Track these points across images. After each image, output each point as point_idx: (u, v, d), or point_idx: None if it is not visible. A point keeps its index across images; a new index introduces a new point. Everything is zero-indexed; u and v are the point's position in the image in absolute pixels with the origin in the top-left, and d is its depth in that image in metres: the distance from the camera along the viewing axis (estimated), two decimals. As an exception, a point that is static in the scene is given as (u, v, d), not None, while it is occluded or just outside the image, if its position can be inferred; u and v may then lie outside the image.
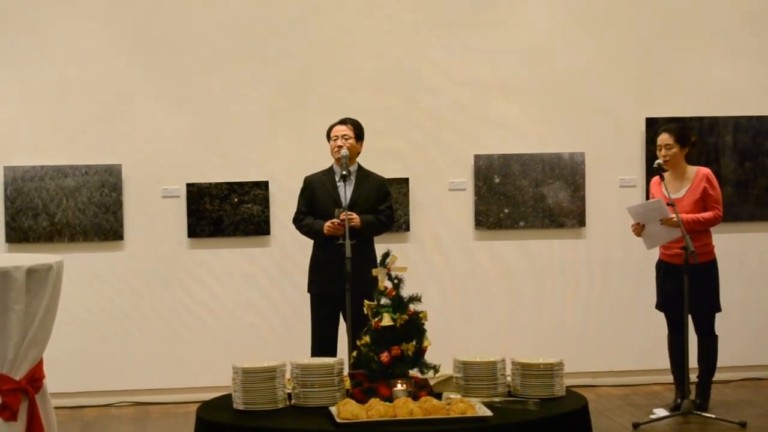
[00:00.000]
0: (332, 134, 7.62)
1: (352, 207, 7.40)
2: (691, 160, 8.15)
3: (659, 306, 8.17)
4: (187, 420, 7.78)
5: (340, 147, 7.49)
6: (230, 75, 8.94)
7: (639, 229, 7.86)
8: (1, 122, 8.70)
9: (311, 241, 7.74)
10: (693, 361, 7.95)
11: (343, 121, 7.66)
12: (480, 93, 9.17)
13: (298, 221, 7.70)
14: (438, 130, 9.12)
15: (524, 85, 9.22)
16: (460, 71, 9.15)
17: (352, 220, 7.27)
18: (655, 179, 8.05)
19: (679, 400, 7.95)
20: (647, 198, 8.33)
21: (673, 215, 7.63)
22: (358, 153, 7.67)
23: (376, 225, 7.61)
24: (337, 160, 7.50)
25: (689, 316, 7.85)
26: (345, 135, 7.56)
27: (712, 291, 7.97)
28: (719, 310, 8.04)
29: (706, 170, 8.07)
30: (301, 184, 7.77)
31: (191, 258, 8.91)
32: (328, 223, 7.38)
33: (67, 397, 8.42)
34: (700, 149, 8.92)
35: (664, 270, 8.04)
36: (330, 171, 7.65)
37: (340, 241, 7.22)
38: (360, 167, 7.68)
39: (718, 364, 8.13)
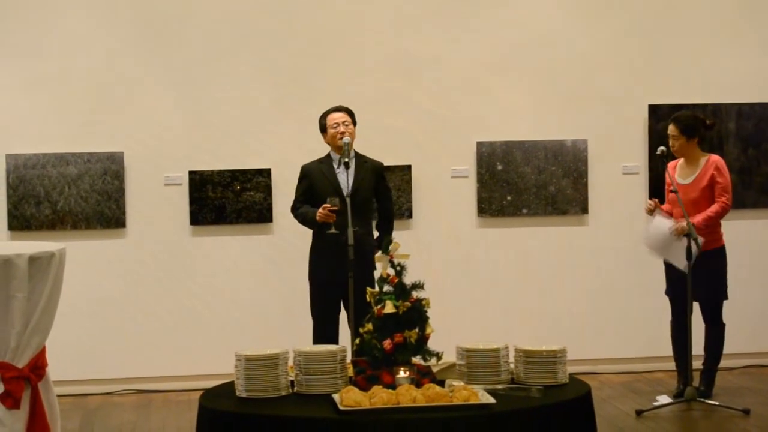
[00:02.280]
0: (330, 122, 7.56)
1: (354, 194, 7.38)
2: (705, 146, 8.15)
3: (667, 292, 8.16)
4: (189, 408, 7.80)
5: (342, 134, 7.47)
6: (233, 62, 8.93)
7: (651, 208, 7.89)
8: (3, 110, 8.70)
9: (311, 230, 7.74)
10: (697, 348, 7.94)
11: (338, 109, 7.62)
12: (482, 80, 9.15)
13: (295, 209, 7.69)
14: (440, 117, 9.11)
15: (527, 72, 9.20)
16: (462, 58, 9.13)
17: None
18: (672, 163, 8.05)
19: (681, 387, 7.97)
20: (656, 181, 8.27)
21: (681, 221, 7.64)
22: (354, 139, 7.66)
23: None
24: (339, 147, 7.47)
25: (695, 304, 7.87)
26: (345, 121, 7.55)
27: (720, 278, 7.95)
28: (726, 297, 8.03)
29: (716, 158, 8.05)
30: (299, 173, 7.75)
31: (193, 245, 8.91)
32: (319, 211, 7.35)
33: (69, 385, 8.43)
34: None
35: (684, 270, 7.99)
36: (328, 159, 7.61)
37: (332, 231, 7.22)
38: (357, 153, 7.66)
39: (723, 350, 8.12)
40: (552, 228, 9.25)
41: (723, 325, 8.03)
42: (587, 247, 9.27)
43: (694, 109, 8.95)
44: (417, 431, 4.91)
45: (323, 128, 7.62)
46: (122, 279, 8.85)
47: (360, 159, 7.64)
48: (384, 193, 7.71)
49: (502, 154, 9.11)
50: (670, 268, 8.06)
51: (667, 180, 8.02)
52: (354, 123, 7.61)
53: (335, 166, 7.53)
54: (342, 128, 7.50)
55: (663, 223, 7.78)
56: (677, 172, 7.99)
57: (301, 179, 7.72)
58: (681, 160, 8.01)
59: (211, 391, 5.55)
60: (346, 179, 7.39)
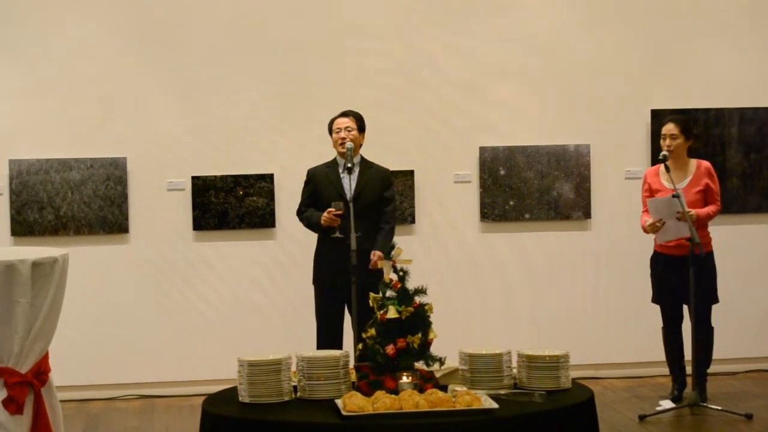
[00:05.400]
0: (334, 127, 7.61)
1: (357, 198, 7.40)
2: (692, 154, 8.14)
3: (655, 299, 8.15)
4: (192, 413, 7.80)
5: (343, 139, 7.48)
6: (235, 68, 8.94)
7: (658, 228, 7.82)
8: (7, 115, 8.71)
9: (316, 234, 7.74)
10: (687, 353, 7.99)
11: (345, 114, 7.65)
12: (485, 85, 9.16)
13: (301, 213, 7.71)
14: (443, 122, 9.12)
15: (529, 77, 9.21)
16: (465, 63, 9.14)
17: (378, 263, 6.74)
18: (652, 169, 8.07)
19: (676, 392, 8.00)
20: (642, 187, 8.27)
21: (691, 211, 7.63)
22: (361, 145, 7.67)
23: (390, 239, 7.55)
24: (342, 153, 7.48)
25: (685, 308, 7.93)
26: (348, 127, 7.56)
27: (710, 282, 7.95)
28: (717, 301, 8.03)
29: (707, 163, 8.07)
30: (305, 177, 7.76)
31: (196, 251, 8.92)
32: (324, 215, 7.37)
33: (72, 391, 8.44)
34: (704, 141, 8.92)
35: (664, 262, 8.01)
36: (333, 163, 7.65)
37: (336, 234, 7.25)
38: (363, 159, 7.67)
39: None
40: (555, 233, 9.25)
41: (712, 329, 8.03)
42: (590, 251, 9.28)
43: (696, 113, 8.98)
44: (420, 436, 4.92)
45: (330, 132, 7.65)
46: (125, 284, 8.85)
47: (365, 164, 7.65)
48: (386, 199, 7.70)
49: (504, 159, 9.12)
50: (660, 274, 8.06)
51: (651, 185, 8.02)
52: (361, 128, 7.61)
53: (340, 170, 7.54)
54: (344, 134, 7.52)
55: (681, 205, 7.70)
56: (663, 177, 7.94)
57: (306, 183, 7.74)
58: (661, 167, 7.96)
59: (214, 396, 5.55)
60: (349, 184, 7.40)
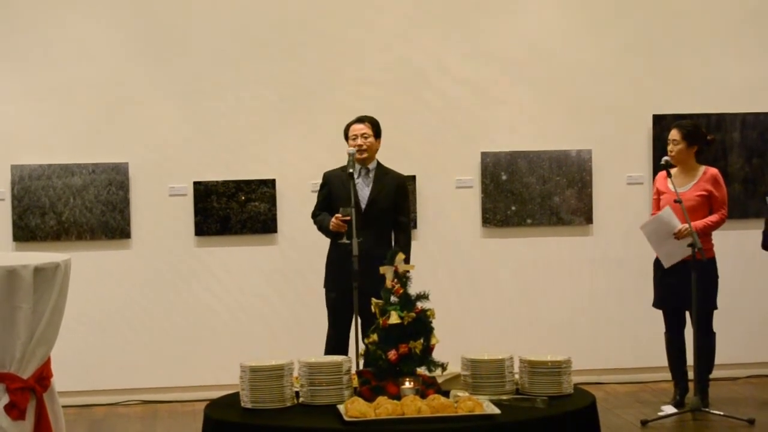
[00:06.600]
0: (350, 133, 7.59)
1: (371, 205, 7.41)
2: (703, 159, 8.14)
3: (657, 304, 8.14)
4: (195, 418, 7.80)
5: (360, 145, 7.48)
6: (237, 73, 8.94)
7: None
8: (8, 120, 8.71)
9: (318, 239, 7.74)
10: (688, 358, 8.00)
11: (360, 119, 7.64)
12: (487, 90, 9.16)
13: (315, 216, 7.71)
14: (445, 127, 9.12)
15: (531, 82, 9.21)
16: (467, 69, 9.14)
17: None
18: (662, 173, 8.06)
19: (678, 397, 8.01)
20: (652, 192, 8.28)
21: (685, 225, 7.62)
22: (377, 150, 7.66)
23: (408, 253, 7.51)
24: (358, 159, 7.47)
25: (687, 314, 7.91)
26: (364, 133, 7.55)
27: (711, 289, 7.95)
28: (715, 307, 8.02)
29: (714, 170, 8.06)
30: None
31: (198, 256, 8.91)
32: (332, 220, 7.37)
33: (75, 396, 8.43)
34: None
35: (665, 267, 8.00)
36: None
37: (343, 240, 7.24)
38: (379, 164, 7.67)
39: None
40: (556, 238, 9.25)
41: (714, 334, 8.03)
42: (592, 257, 9.27)
43: (698, 118, 8.97)
44: (422, 442, 4.92)
45: (346, 138, 7.64)
46: (127, 289, 8.85)
47: (381, 170, 7.65)
48: (401, 207, 7.68)
49: (506, 165, 9.12)
50: (662, 279, 8.05)
51: (659, 189, 8.03)
52: (377, 134, 7.61)
53: (355, 175, 7.51)
54: (360, 141, 7.52)
55: (673, 221, 7.72)
56: (668, 181, 7.95)
57: (321, 186, 7.75)
58: (673, 171, 7.97)
59: (217, 401, 5.55)
60: (363, 190, 7.42)
